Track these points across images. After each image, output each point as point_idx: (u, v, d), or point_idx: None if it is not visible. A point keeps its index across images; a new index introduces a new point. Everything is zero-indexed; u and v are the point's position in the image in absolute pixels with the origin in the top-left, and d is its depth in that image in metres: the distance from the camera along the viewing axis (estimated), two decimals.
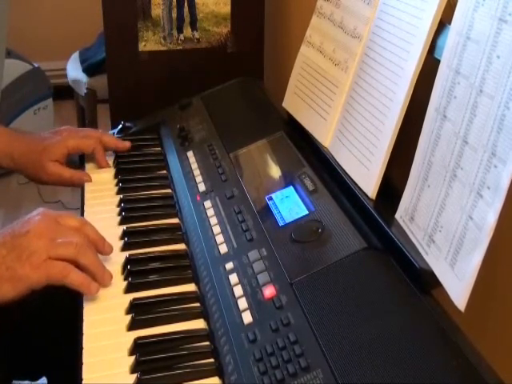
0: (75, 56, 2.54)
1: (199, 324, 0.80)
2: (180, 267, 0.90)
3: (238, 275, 0.82)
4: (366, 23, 0.96)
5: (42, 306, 0.99)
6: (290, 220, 0.87)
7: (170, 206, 1.05)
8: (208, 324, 0.79)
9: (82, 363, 0.74)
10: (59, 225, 0.85)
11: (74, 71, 2.43)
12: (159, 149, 1.24)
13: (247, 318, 0.76)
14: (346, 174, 0.93)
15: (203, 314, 0.81)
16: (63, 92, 2.90)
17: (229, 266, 0.85)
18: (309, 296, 0.74)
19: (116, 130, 1.28)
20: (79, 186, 1.13)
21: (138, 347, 0.75)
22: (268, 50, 1.69)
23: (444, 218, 0.71)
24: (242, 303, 0.78)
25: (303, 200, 0.90)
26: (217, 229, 0.93)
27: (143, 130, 1.28)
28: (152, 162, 1.20)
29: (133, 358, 0.74)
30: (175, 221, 1.01)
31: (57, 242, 0.81)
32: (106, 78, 1.63)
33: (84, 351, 0.76)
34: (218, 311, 0.79)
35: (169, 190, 1.10)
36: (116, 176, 1.14)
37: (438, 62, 0.76)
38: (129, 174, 1.14)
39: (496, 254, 0.67)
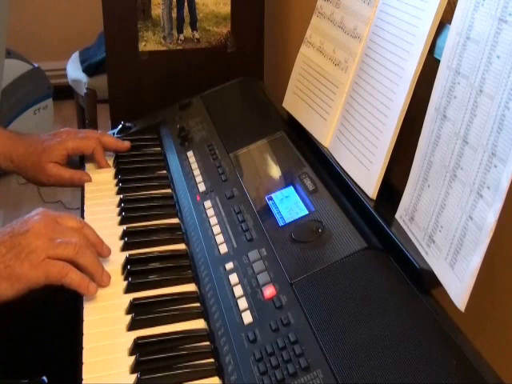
0: (75, 56, 2.54)
1: (199, 324, 0.80)
2: (180, 267, 0.90)
3: (238, 275, 0.82)
4: (366, 23, 0.96)
5: (42, 306, 0.99)
6: (290, 220, 0.87)
7: (169, 206, 1.05)
8: (208, 324, 0.79)
9: (81, 363, 0.74)
10: (58, 225, 0.85)
11: (74, 71, 2.43)
12: (159, 149, 1.23)
13: (247, 317, 0.76)
14: (346, 174, 0.93)
15: (203, 314, 0.81)
16: (63, 92, 2.89)
17: (229, 266, 0.85)
18: (309, 296, 0.74)
19: (116, 130, 1.28)
20: (79, 186, 1.13)
21: (137, 347, 0.75)
22: (268, 50, 1.69)
23: (444, 218, 0.71)
24: (242, 303, 0.78)
25: (303, 200, 0.90)
26: (217, 229, 0.93)
27: (143, 130, 1.28)
28: (152, 161, 1.20)
29: (133, 358, 0.74)
30: (175, 221, 1.01)
31: (56, 242, 0.82)
32: (106, 78, 1.63)
33: (84, 351, 0.76)
34: (218, 311, 0.79)
35: (169, 190, 1.10)
36: (116, 176, 1.14)
37: (438, 62, 0.76)
38: (129, 174, 1.14)
39: (496, 254, 0.67)
